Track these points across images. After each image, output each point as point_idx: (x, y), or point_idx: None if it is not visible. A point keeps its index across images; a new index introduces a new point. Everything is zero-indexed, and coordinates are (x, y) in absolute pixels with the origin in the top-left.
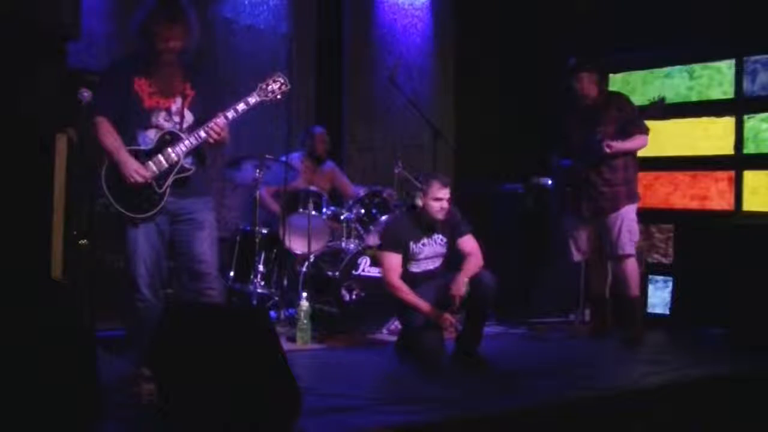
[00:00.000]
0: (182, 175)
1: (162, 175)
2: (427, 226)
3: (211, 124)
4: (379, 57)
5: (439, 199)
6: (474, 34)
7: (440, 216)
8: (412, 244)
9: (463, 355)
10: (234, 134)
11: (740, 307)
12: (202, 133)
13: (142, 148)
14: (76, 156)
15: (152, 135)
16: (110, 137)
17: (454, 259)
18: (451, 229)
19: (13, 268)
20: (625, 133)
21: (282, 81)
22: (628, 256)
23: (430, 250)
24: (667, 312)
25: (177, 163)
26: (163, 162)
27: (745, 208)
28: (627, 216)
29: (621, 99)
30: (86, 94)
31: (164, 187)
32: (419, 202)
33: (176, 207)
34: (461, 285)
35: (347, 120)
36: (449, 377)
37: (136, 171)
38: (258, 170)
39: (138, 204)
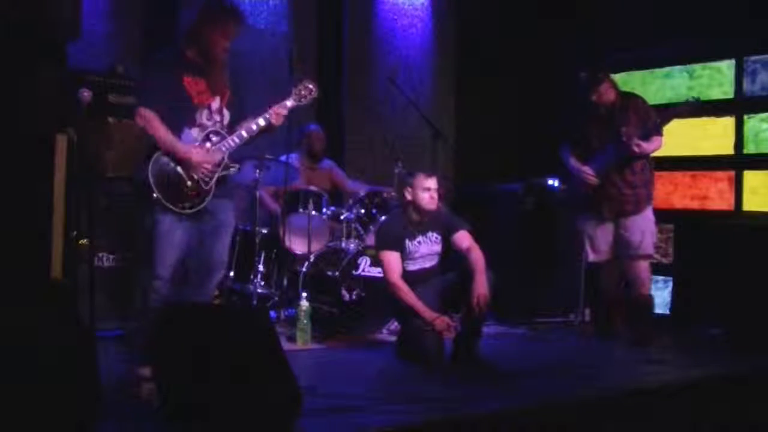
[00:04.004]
0: (227, 172)
1: (208, 173)
2: (420, 223)
3: (282, 105)
4: (379, 57)
5: (427, 188)
6: (474, 34)
7: (431, 206)
8: (408, 243)
9: (463, 355)
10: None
11: (740, 307)
12: (244, 133)
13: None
14: (75, 156)
15: (195, 133)
16: (163, 130)
17: (448, 257)
18: (444, 227)
19: (13, 268)
20: (644, 135)
21: (312, 87)
22: (649, 256)
23: (426, 249)
24: (667, 312)
25: (222, 161)
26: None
27: (745, 208)
28: (649, 218)
29: (638, 101)
30: (86, 94)
31: (210, 184)
32: (408, 197)
33: (211, 205)
34: (484, 287)
35: (347, 120)
36: (449, 377)
37: (208, 157)
38: (258, 170)
39: (184, 200)
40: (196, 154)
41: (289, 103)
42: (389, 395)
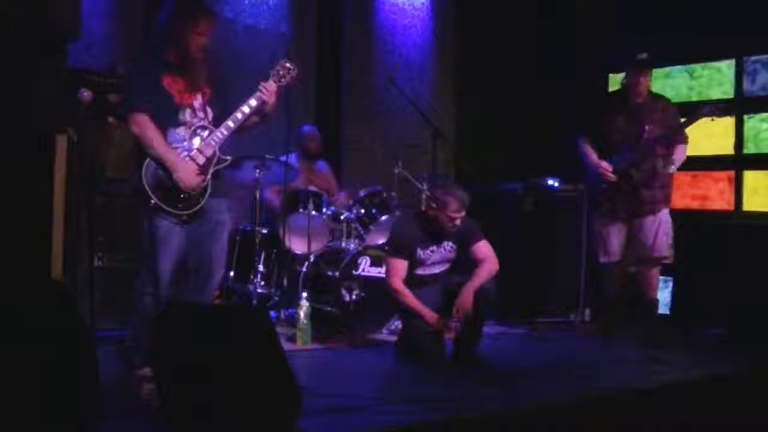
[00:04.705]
0: (221, 166)
1: (202, 169)
2: (436, 234)
3: (262, 88)
4: (379, 57)
5: (453, 218)
6: (474, 33)
7: (452, 230)
8: (419, 251)
9: (463, 355)
10: (234, 134)
11: (740, 307)
12: (231, 123)
13: (176, 145)
14: (75, 156)
15: (182, 132)
16: (156, 134)
17: (464, 262)
18: (461, 237)
19: (13, 268)
20: (668, 138)
21: (290, 66)
22: (661, 258)
23: (438, 256)
24: (668, 312)
25: (214, 155)
26: (201, 156)
27: (745, 208)
28: (664, 219)
29: (665, 101)
30: (86, 94)
31: (206, 181)
32: (430, 213)
33: (208, 205)
34: (468, 299)
35: (347, 120)
36: (449, 377)
37: (195, 176)
38: (258, 170)
39: (181, 200)
40: (186, 177)
41: (269, 84)
42: (389, 395)
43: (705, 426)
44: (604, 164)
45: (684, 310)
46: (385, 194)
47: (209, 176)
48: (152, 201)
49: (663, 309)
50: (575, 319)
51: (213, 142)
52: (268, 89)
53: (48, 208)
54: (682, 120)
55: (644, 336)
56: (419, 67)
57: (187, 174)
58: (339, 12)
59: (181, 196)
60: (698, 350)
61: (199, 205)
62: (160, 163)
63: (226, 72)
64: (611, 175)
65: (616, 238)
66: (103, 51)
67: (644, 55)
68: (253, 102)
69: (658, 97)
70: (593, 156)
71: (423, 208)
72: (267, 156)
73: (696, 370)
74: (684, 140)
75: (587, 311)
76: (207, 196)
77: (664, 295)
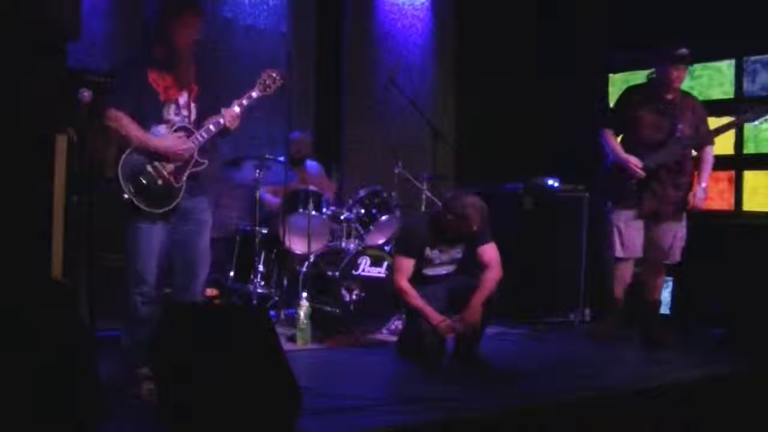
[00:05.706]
0: (197, 169)
1: (178, 170)
2: (450, 238)
3: (226, 113)
4: (379, 57)
5: (472, 227)
6: (474, 33)
7: (468, 236)
8: (428, 250)
9: (463, 355)
10: (235, 134)
11: (740, 307)
12: (212, 127)
13: None
14: (75, 156)
15: (163, 130)
16: (134, 127)
17: (471, 262)
18: (470, 239)
19: (13, 268)
20: (697, 141)
21: (275, 76)
22: (673, 263)
23: (446, 257)
24: (668, 312)
25: (192, 157)
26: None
27: (745, 208)
28: (682, 223)
29: (695, 101)
30: (86, 94)
31: (181, 182)
32: (448, 217)
33: (187, 205)
34: (477, 314)
35: (347, 120)
36: (449, 377)
37: (181, 143)
38: (258, 170)
39: (156, 198)
40: (171, 143)
41: (254, 93)
42: (389, 395)
43: (705, 426)
44: (633, 159)
45: (684, 310)
46: (385, 194)
47: (185, 176)
48: (125, 195)
49: (663, 309)
50: (575, 319)
51: (193, 144)
52: (231, 115)
53: (48, 208)
54: (713, 128)
55: (644, 336)
56: (419, 67)
57: (174, 141)
58: (339, 12)
59: (158, 192)
60: (698, 350)
61: (173, 205)
62: (144, 148)
63: (224, 70)
64: (640, 171)
65: (636, 234)
66: (103, 51)
67: (684, 51)
68: (220, 120)
69: (687, 95)
70: (621, 150)
71: (438, 215)
72: (267, 156)
73: (696, 370)
74: (712, 142)
75: (587, 311)
76: (181, 196)
77: (664, 295)
